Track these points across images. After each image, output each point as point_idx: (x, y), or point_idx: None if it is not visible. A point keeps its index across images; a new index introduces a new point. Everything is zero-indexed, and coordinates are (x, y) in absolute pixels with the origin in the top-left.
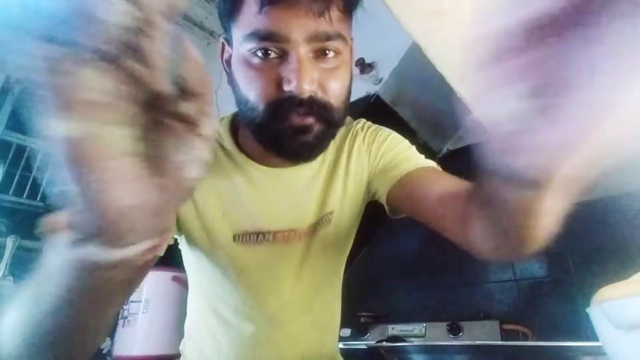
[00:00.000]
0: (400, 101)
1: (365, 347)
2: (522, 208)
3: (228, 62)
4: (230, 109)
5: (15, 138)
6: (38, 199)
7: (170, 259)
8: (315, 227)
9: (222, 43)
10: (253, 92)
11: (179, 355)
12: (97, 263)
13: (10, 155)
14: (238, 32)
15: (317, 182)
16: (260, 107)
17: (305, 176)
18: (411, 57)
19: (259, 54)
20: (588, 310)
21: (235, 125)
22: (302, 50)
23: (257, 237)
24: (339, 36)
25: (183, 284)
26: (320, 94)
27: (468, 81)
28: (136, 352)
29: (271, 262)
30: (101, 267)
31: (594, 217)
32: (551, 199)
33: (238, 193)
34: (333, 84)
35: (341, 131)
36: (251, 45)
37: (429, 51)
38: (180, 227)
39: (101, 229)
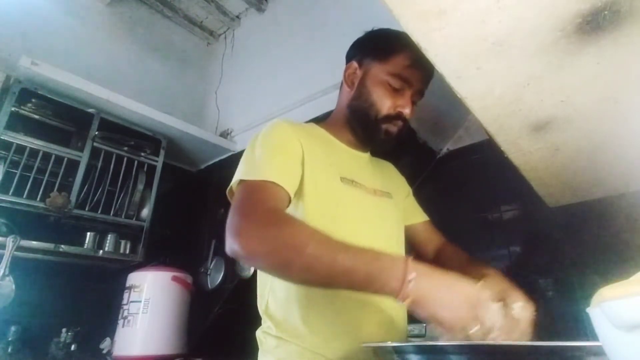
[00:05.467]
0: None
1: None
2: None
3: (352, 75)
4: (229, 107)
5: (15, 138)
6: (38, 199)
7: (170, 259)
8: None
9: (352, 63)
10: (382, 101)
11: (179, 355)
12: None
13: (10, 155)
14: (384, 66)
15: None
16: (383, 112)
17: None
18: None
19: (396, 85)
20: (588, 310)
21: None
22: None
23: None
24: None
25: (183, 284)
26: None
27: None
28: (136, 352)
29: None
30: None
31: (594, 217)
32: None
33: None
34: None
35: None
36: (392, 79)
37: (429, 51)
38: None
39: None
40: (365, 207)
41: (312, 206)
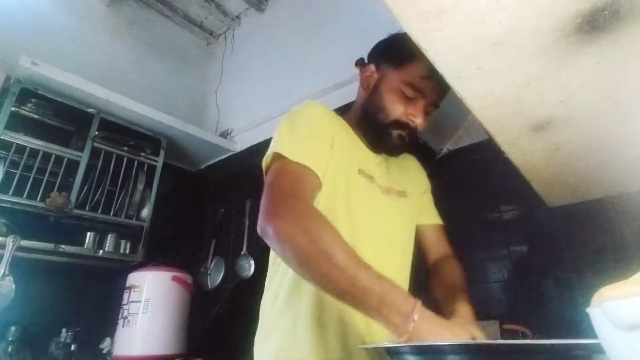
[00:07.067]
0: None
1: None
2: None
3: (369, 78)
4: (229, 107)
5: (15, 138)
6: (38, 199)
7: (170, 259)
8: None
9: (370, 66)
10: (392, 107)
11: (179, 355)
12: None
13: (10, 155)
14: (399, 73)
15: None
16: (392, 117)
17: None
18: None
19: (409, 94)
20: (588, 310)
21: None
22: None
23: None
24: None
25: (183, 284)
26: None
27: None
28: (136, 352)
29: None
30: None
31: (594, 217)
32: None
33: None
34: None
35: None
36: (405, 87)
37: (429, 51)
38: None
39: None
40: (375, 205)
41: (325, 194)
